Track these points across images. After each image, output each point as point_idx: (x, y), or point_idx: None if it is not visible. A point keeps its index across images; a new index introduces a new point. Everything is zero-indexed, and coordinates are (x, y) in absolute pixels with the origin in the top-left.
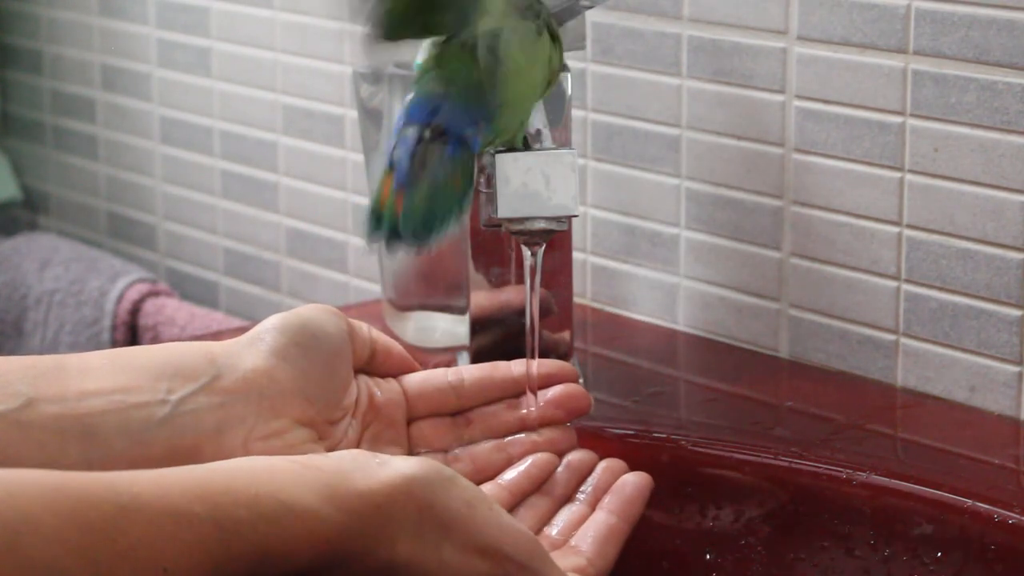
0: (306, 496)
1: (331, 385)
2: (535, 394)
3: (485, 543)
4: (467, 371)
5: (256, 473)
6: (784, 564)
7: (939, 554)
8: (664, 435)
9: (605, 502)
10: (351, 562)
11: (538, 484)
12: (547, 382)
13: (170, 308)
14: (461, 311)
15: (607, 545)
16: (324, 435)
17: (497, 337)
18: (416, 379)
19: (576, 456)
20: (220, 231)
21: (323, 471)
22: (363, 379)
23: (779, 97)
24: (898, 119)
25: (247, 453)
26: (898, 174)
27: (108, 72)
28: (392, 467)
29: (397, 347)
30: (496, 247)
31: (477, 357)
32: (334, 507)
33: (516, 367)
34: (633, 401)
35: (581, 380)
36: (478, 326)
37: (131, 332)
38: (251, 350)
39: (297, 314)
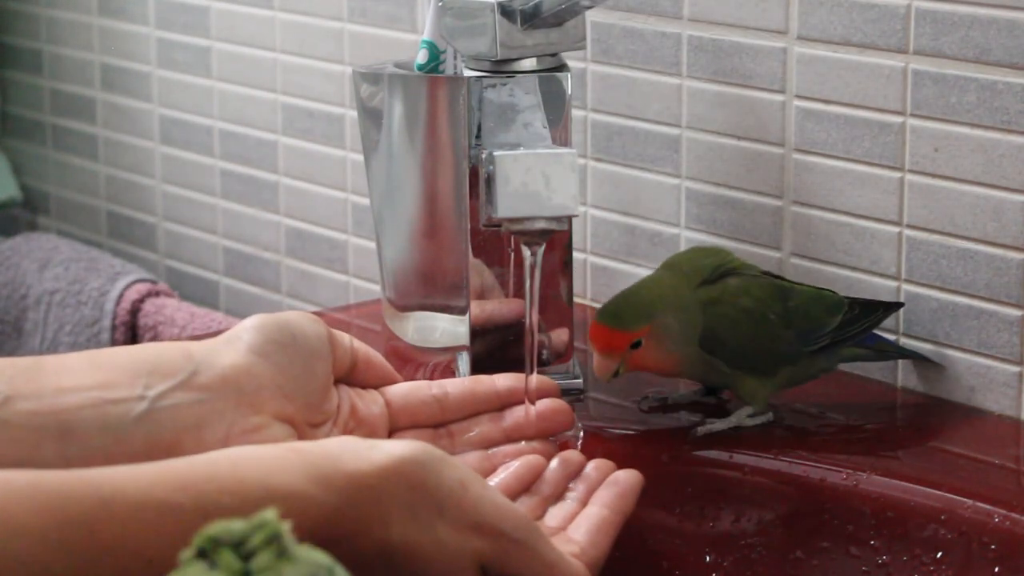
0: (293, 479)
1: (310, 385)
2: (533, 403)
3: (480, 521)
4: (451, 384)
5: (240, 460)
6: (784, 564)
7: (939, 554)
8: (664, 435)
9: (597, 496)
10: (344, 545)
11: (527, 485)
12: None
13: (170, 308)
14: (461, 311)
15: (599, 535)
16: (305, 437)
17: (495, 344)
18: (399, 391)
19: (567, 454)
20: (220, 231)
21: (310, 454)
22: (345, 389)
23: (779, 97)
24: (898, 119)
25: None
26: (898, 174)
27: (108, 72)
28: (383, 449)
29: (379, 358)
30: (496, 247)
31: (477, 362)
32: (323, 489)
33: (499, 381)
34: (633, 401)
35: (580, 380)
36: (477, 334)
37: (131, 332)
38: (229, 347)
39: (276, 315)
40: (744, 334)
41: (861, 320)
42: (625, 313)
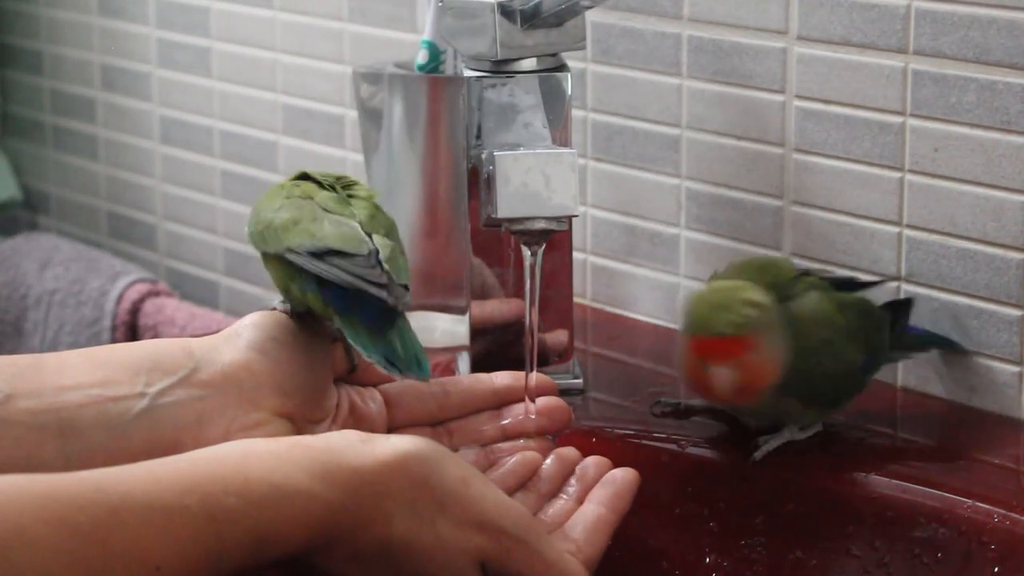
0: (297, 475)
1: (309, 381)
2: (533, 400)
3: (481, 518)
4: (449, 382)
5: (244, 456)
6: (784, 564)
7: (939, 554)
8: (664, 435)
9: (594, 495)
10: (346, 541)
11: (523, 481)
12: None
13: (170, 308)
14: (461, 311)
15: (596, 534)
16: (304, 434)
17: (495, 344)
18: (398, 389)
19: (563, 450)
20: (220, 231)
21: (313, 449)
22: (344, 387)
23: (779, 97)
24: (898, 119)
25: None
26: (898, 174)
27: (108, 72)
28: (386, 444)
29: None
30: (496, 247)
31: (476, 362)
32: (327, 485)
33: (498, 379)
34: (633, 401)
35: (580, 380)
36: (477, 334)
37: (131, 332)
38: (229, 345)
39: (275, 312)
40: (824, 360)
41: (894, 328)
42: (722, 320)
